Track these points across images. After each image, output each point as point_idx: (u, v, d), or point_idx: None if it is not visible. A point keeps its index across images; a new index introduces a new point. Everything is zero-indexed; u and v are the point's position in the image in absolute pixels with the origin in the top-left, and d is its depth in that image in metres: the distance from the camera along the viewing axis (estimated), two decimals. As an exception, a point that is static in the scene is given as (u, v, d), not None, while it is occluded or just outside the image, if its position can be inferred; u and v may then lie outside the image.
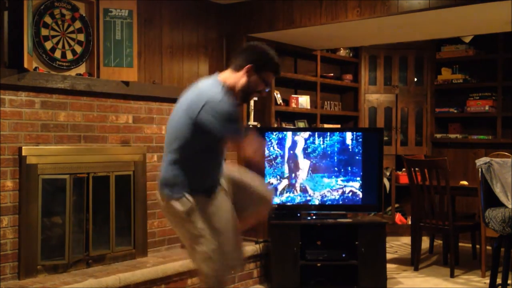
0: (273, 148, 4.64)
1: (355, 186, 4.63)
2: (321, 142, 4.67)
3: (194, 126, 2.58)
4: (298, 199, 4.64)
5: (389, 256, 5.32)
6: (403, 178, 6.28)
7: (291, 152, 4.65)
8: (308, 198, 4.64)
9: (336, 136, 4.70)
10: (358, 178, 4.63)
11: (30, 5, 3.55)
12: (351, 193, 4.63)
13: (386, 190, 6.39)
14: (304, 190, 4.64)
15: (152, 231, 4.34)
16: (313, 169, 4.64)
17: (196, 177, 2.66)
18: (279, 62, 2.72)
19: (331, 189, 4.64)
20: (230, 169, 2.90)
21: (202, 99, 2.57)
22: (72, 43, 3.94)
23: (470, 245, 5.53)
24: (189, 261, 4.01)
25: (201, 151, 2.64)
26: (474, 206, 5.86)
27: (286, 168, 4.65)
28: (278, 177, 4.64)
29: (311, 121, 6.02)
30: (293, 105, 5.77)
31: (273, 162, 4.63)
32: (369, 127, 6.43)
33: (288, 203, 4.65)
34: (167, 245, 4.45)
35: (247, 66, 2.66)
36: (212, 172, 2.73)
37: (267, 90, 2.72)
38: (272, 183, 4.60)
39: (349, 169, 4.64)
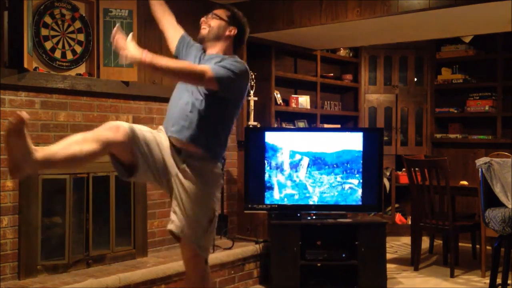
0: (273, 147, 4.64)
1: (354, 185, 4.63)
2: (321, 142, 4.67)
3: None
4: (297, 197, 4.64)
5: (389, 256, 5.32)
6: (403, 178, 6.28)
7: (291, 151, 4.65)
8: (307, 195, 4.64)
9: (336, 136, 4.70)
10: (358, 176, 4.62)
11: (30, 5, 3.55)
12: (350, 190, 4.63)
13: (386, 190, 6.39)
14: (303, 188, 4.64)
15: (152, 231, 4.33)
16: (313, 169, 4.64)
17: None
18: None
19: (330, 186, 4.63)
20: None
21: None
22: (72, 43, 3.94)
23: (470, 245, 5.53)
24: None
25: None
26: (474, 206, 5.86)
27: (285, 166, 4.64)
28: (277, 174, 4.64)
29: (311, 121, 6.02)
30: (293, 105, 5.77)
31: (272, 160, 4.63)
32: (369, 127, 6.43)
33: (288, 203, 4.64)
34: (167, 245, 4.44)
35: None
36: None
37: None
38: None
39: (349, 169, 4.63)
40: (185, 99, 2.71)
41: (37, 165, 2.33)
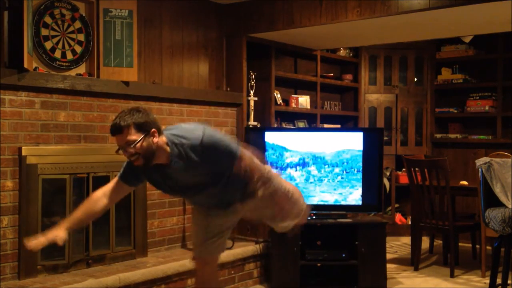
0: (273, 146, 4.64)
1: (355, 185, 4.63)
2: (321, 142, 4.66)
3: None
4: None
5: (389, 256, 5.32)
6: (403, 178, 6.28)
7: (291, 151, 4.65)
8: (307, 195, 4.63)
9: (336, 136, 4.70)
10: (358, 176, 4.62)
11: (30, 5, 3.55)
12: (350, 190, 4.63)
13: (386, 190, 6.39)
14: (303, 188, 4.63)
15: (152, 231, 4.34)
16: (312, 169, 4.64)
17: None
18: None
19: (330, 186, 4.63)
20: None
21: None
22: (72, 43, 3.94)
23: (470, 245, 5.53)
24: (189, 261, 4.06)
25: None
26: (474, 206, 5.86)
27: (285, 166, 4.64)
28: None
29: (311, 121, 6.02)
30: (293, 105, 5.77)
31: (272, 160, 4.63)
32: (369, 127, 6.43)
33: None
34: (167, 245, 4.45)
35: None
36: None
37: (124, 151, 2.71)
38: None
39: (349, 169, 4.63)
40: (201, 189, 2.79)
41: None
